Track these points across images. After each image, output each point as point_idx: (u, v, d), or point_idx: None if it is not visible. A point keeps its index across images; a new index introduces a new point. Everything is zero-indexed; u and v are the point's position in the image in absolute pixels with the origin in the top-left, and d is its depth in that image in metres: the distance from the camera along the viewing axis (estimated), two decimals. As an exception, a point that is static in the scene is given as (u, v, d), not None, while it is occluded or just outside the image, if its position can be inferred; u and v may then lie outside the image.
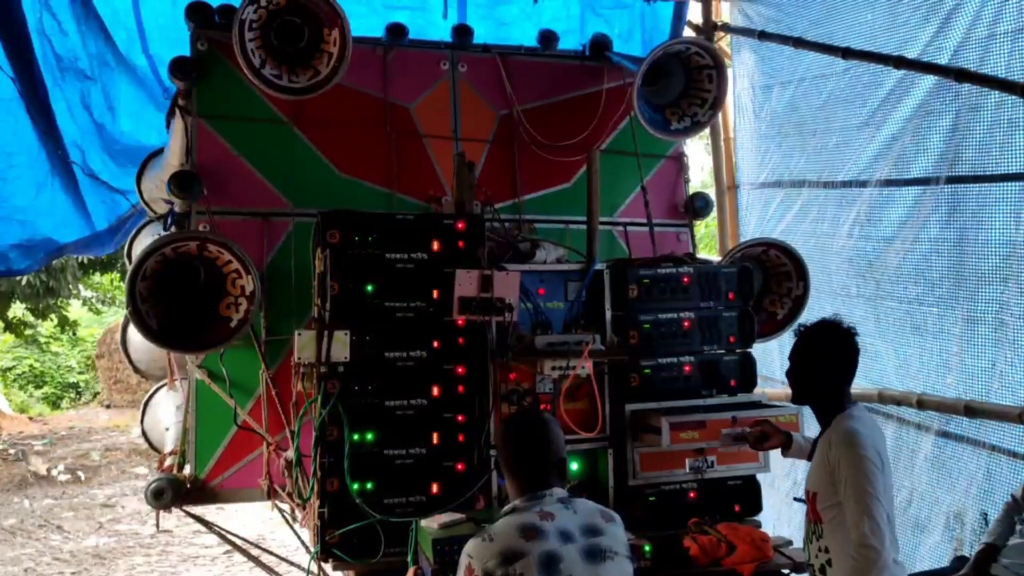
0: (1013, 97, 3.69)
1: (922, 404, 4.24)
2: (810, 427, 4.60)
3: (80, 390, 18.86)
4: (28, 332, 15.95)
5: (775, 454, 3.64)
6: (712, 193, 5.57)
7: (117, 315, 16.73)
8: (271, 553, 5.50)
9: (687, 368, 3.78)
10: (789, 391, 5.19)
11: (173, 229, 4.19)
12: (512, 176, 4.57)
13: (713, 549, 3.29)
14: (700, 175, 10.92)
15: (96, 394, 18.36)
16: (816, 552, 2.97)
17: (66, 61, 4.90)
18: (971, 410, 3.95)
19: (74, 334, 16.43)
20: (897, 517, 4.19)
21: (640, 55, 4.89)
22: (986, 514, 3.84)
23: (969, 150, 4.02)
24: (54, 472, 12.04)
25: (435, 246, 3.50)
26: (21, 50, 4.69)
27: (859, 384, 4.55)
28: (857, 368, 3.05)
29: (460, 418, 3.49)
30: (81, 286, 14.24)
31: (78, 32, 4.90)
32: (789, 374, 3.14)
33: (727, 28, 5.64)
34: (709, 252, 8.88)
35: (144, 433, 5.02)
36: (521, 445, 2.60)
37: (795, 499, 3.38)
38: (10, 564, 8.43)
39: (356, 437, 3.33)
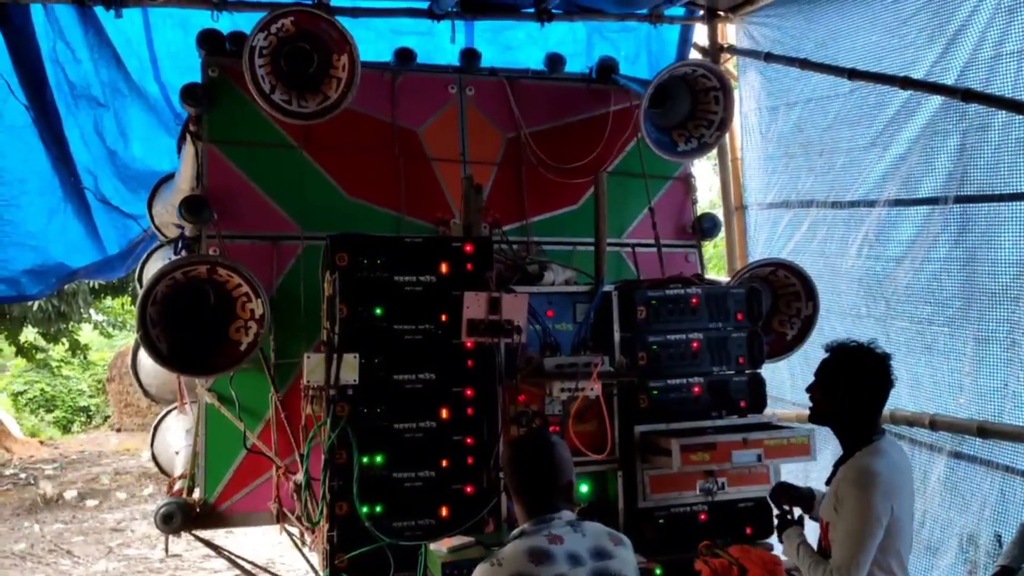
0: (1021, 117, 3.70)
1: (934, 425, 4.21)
2: (823, 449, 4.58)
3: (91, 414, 18.90)
4: (39, 356, 16.01)
5: (785, 476, 3.62)
6: (720, 214, 5.58)
7: (128, 339, 16.82)
8: (280, 577, 5.48)
9: (696, 389, 3.76)
10: (798, 412, 5.19)
11: (183, 253, 4.22)
12: (520, 198, 4.59)
13: (724, 572, 3.26)
14: (708, 195, 10.95)
15: (107, 418, 18.41)
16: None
17: (79, 88, 4.97)
18: (984, 431, 3.92)
19: (85, 358, 16.48)
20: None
21: (647, 77, 4.91)
22: (1000, 536, 3.80)
23: (977, 170, 4.02)
24: (64, 496, 12.04)
25: (443, 269, 3.51)
26: (35, 78, 4.76)
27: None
28: (888, 398, 2.98)
29: (469, 441, 3.48)
30: (92, 310, 14.31)
31: (91, 60, 4.96)
32: (814, 391, 3.04)
33: (733, 50, 5.67)
34: (718, 273, 8.87)
35: (154, 457, 5.03)
36: (528, 468, 2.60)
37: (810, 517, 3.33)
38: (20, 589, 8.43)
39: (365, 460, 3.32)
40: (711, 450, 3.49)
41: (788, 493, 3.41)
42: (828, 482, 3.05)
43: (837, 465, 3.02)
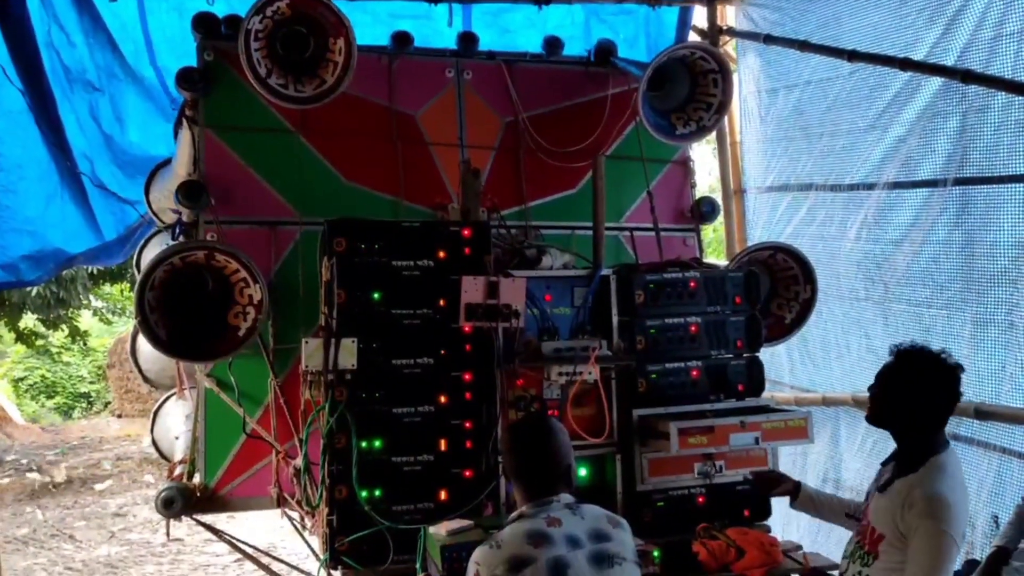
0: (1020, 98, 3.68)
1: (932, 407, 4.20)
2: (820, 432, 4.59)
3: (91, 400, 18.94)
4: (39, 343, 16.01)
5: (783, 458, 3.63)
6: (719, 197, 5.56)
7: (127, 325, 16.79)
8: (281, 561, 5.51)
9: (694, 373, 3.77)
10: (797, 395, 5.20)
11: (181, 239, 4.22)
12: (518, 183, 4.58)
13: (722, 554, 3.28)
14: (708, 179, 10.94)
15: (107, 404, 18.44)
16: (855, 573, 2.85)
17: (74, 73, 4.94)
18: (981, 413, 3.92)
19: (85, 344, 16.47)
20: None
21: (645, 60, 4.88)
22: (997, 517, 3.81)
23: (977, 151, 4.01)
24: (66, 482, 12.08)
25: (441, 253, 3.51)
26: (30, 63, 4.73)
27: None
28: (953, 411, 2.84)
29: (467, 425, 3.49)
30: (91, 296, 14.29)
31: (86, 44, 4.94)
32: (880, 396, 2.86)
33: (732, 32, 5.64)
34: (717, 257, 8.87)
35: (154, 442, 5.04)
36: (526, 452, 2.61)
37: (848, 515, 3.20)
38: (23, 574, 8.47)
39: (364, 444, 3.34)
40: (709, 433, 3.50)
41: (771, 483, 3.44)
42: (882, 488, 2.85)
43: (894, 470, 2.85)
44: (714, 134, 5.32)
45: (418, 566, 3.21)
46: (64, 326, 13.82)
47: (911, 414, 2.79)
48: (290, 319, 4.00)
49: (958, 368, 2.77)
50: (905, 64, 4.21)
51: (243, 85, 3.94)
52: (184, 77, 4.11)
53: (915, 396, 2.76)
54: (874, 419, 2.92)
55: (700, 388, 3.77)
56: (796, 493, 3.36)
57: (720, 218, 5.35)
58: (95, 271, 12.34)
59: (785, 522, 4.75)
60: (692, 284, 3.79)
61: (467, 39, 4.70)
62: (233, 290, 3.83)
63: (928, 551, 2.59)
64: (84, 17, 4.88)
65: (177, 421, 4.71)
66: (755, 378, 3.88)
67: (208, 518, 4.26)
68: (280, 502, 3.96)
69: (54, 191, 5.06)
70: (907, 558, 2.64)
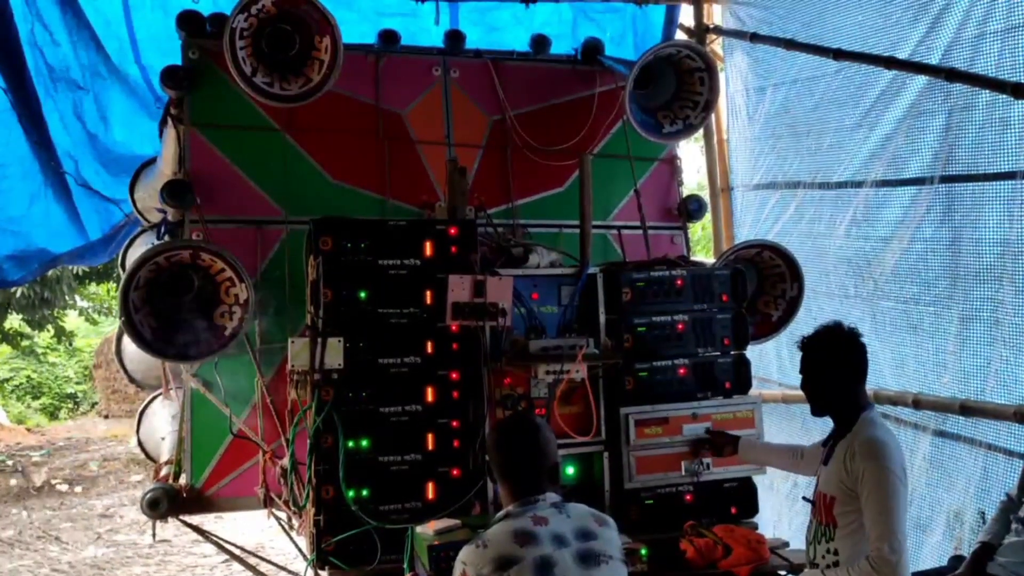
0: (1004, 96, 3.70)
1: (918, 404, 4.23)
2: (812, 428, 4.60)
3: (78, 400, 18.80)
4: (25, 343, 15.90)
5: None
6: (707, 195, 5.57)
7: (114, 325, 16.68)
8: (269, 562, 5.49)
9: (682, 371, 3.78)
10: (785, 392, 5.22)
11: (166, 238, 4.19)
12: (505, 181, 4.57)
13: (709, 552, 3.29)
14: (695, 177, 10.96)
15: (94, 404, 18.31)
16: (824, 553, 2.96)
17: (58, 71, 4.91)
18: (967, 409, 3.94)
19: (71, 344, 16.38)
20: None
21: (632, 59, 4.89)
22: (984, 513, 3.83)
23: (962, 149, 4.02)
24: (52, 483, 12.00)
25: (428, 252, 3.50)
26: (13, 61, 4.70)
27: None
28: (868, 366, 3.03)
29: (455, 424, 3.49)
30: (77, 296, 14.21)
31: (70, 42, 4.91)
32: (804, 387, 3.09)
33: (719, 31, 5.65)
34: (705, 255, 8.88)
35: (140, 443, 5.01)
36: (512, 451, 2.60)
37: (804, 498, 3.33)
38: (9, 576, 8.41)
39: (351, 444, 3.33)
40: (664, 424, 3.63)
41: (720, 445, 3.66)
42: (825, 461, 3.04)
43: (831, 443, 3.04)
44: (701, 132, 5.32)
45: (405, 566, 3.20)
46: (49, 326, 13.73)
47: (838, 388, 2.99)
48: (276, 318, 3.99)
49: (854, 329, 3.00)
50: (890, 62, 4.22)
51: (228, 83, 3.92)
52: (169, 75, 4.08)
53: (833, 371, 2.99)
54: (817, 411, 3.11)
55: (687, 386, 3.79)
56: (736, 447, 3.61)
57: (707, 216, 5.36)
58: (80, 271, 12.28)
59: (776, 519, 4.77)
60: (679, 282, 3.80)
61: (454, 37, 4.69)
62: (219, 289, 3.81)
63: (878, 488, 2.76)
64: (68, 15, 4.84)
65: (163, 421, 4.68)
66: (742, 375, 3.89)
67: (195, 519, 4.24)
68: (267, 502, 3.94)
69: (38, 190, 5.03)
70: (861, 505, 2.79)
